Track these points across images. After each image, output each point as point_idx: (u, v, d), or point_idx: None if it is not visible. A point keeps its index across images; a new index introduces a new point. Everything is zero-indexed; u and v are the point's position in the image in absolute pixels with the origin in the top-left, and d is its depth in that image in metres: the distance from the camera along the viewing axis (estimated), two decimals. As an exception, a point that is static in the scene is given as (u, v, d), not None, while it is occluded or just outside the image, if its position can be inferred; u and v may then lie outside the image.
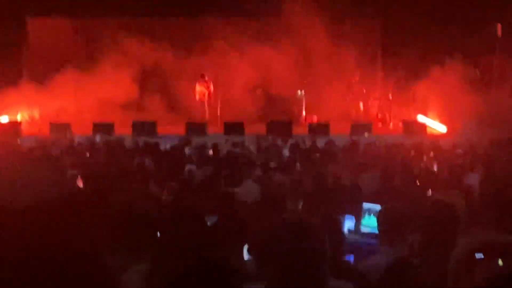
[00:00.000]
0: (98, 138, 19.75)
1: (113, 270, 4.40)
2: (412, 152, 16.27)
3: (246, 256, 5.54)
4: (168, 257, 3.08)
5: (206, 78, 26.09)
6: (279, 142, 18.89)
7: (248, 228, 5.54)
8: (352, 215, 8.28)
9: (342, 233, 5.08)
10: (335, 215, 5.44)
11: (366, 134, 22.94)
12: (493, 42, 24.45)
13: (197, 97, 26.14)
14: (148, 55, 26.73)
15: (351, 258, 6.67)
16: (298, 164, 13.67)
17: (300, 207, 8.50)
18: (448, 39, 24.31)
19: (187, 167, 12.27)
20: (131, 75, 26.52)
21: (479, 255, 2.51)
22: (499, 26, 24.47)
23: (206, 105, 26.08)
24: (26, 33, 28.47)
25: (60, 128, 23.01)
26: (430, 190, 10.07)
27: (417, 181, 10.83)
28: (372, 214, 8.02)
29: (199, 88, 26.11)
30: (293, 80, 26.85)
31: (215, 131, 23.95)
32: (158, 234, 4.82)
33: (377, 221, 5.46)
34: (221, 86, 26.41)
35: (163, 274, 2.73)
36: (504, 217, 6.17)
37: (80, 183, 10.30)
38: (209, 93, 26.12)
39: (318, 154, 15.43)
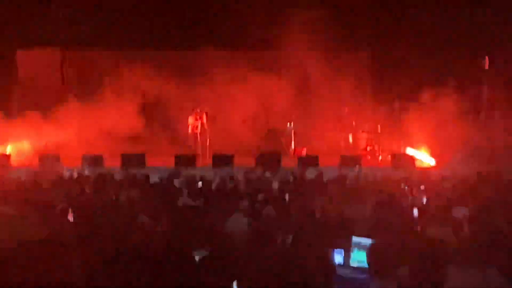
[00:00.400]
0: (87, 170, 19.71)
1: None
2: (403, 185, 16.30)
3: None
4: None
5: (198, 111, 26.03)
6: (267, 174, 18.90)
7: (238, 262, 5.51)
8: (341, 248, 8.25)
9: (332, 266, 5.07)
10: (325, 249, 5.43)
11: (356, 167, 22.97)
12: (481, 74, 24.64)
13: (189, 129, 26.08)
14: (139, 86, 26.71)
15: (341, 293, 6.66)
16: (287, 197, 13.66)
17: (290, 240, 8.47)
18: (437, 72, 24.43)
19: (180, 200, 12.25)
20: (123, 107, 26.45)
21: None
22: (486, 58, 24.69)
23: (198, 138, 26.00)
24: (15, 65, 28.45)
25: (49, 160, 22.92)
26: (419, 224, 10.07)
27: (407, 216, 10.83)
28: (361, 248, 8.00)
29: (191, 120, 26.07)
30: (283, 112, 26.92)
31: (204, 163, 23.95)
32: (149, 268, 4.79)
33: (367, 255, 5.45)
34: (210, 119, 26.39)
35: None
36: (493, 253, 6.18)
37: (70, 217, 10.25)
38: (201, 126, 26.05)
39: (307, 187, 15.43)
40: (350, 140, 27.73)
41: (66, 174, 18.75)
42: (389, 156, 25.41)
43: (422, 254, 4.64)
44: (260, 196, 13.30)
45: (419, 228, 9.61)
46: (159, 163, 23.23)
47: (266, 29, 25.43)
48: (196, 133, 26.01)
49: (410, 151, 26.04)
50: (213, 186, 15.89)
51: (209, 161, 24.18)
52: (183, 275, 4.75)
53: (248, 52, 27.90)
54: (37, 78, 27.71)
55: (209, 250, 6.48)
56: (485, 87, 24.84)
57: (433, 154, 25.08)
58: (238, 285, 5.50)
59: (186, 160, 23.48)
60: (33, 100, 26.53)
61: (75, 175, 18.20)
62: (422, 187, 16.15)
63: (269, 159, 23.20)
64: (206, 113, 26.16)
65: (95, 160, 23.05)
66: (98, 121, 25.62)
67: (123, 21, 26.06)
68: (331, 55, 27.21)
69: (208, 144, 26.18)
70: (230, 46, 27.28)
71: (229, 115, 26.47)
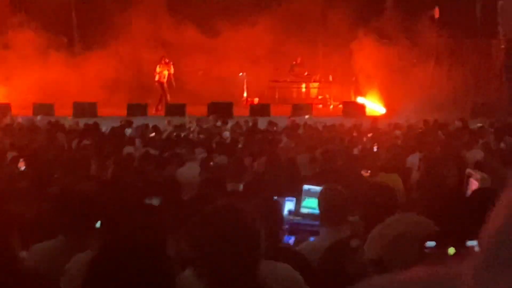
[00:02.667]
0: (39, 118, 19.50)
1: (56, 258, 4.41)
2: (355, 133, 16.47)
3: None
4: (108, 243, 3.08)
5: (167, 60, 25.68)
6: (218, 123, 18.93)
7: (187, 211, 5.54)
8: (293, 196, 8.34)
9: (280, 215, 5.12)
10: (273, 197, 5.49)
11: (306, 116, 23.10)
12: (432, 24, 24.82)
13: (157, 78, 25.73)
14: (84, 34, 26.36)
15: (291, 239, 6.75)
16: (239, 145, 13.72)
17: (240, 188, 8.53)
18: (389, 21, 24.54)
19: (126, 149, 12.20)
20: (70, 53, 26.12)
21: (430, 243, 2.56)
22: (436, 9, 24.87)
23: (166, 86, 25.70)
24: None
25: (0, 109, 22.60)
26: (368, 171, 10.20)
27: (358, 163, 10.96)
28: (312, 196, 8.09)
29: (159, 69, 25.70)
30: (234, 62, 26.84)
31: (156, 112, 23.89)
32: (99, 217, 4.78)
33: (318, 202, 5.53)
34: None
35: (103, 261, 2.74)
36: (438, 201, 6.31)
37: (21, 165, 10.16)
38: (169, 75, 25.70)
39: (260, 135, 15.50)
40: (303, 89, 27.80)
41: (17, 122, 18.55)
42: (340, 104, 25.59)
43: (372, 200, 4.72)
44: (212, 145, 13.35)
45: (368, 175, 9.75)
46: (112, 112, 23.06)
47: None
48: (163, 82, 25.68)
49: (360, 99, 26.24)
50: (165, 135, 15.88)
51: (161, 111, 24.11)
52: (134, 223, 4.77)
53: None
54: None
55: (163, 198, 6.51)
56: (434, 37, 25.03)
57: (383, 103, 25.33)
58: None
59: (138, 109, 23.35)
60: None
61: (26, 123, 18.00)
62: (370, 134, 16.35)
63: (221, 108, 23.18)
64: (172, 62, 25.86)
65: (46, 109, 22.78)
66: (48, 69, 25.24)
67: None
68: (284, 3, 27.13)
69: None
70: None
71: (182, 64, 26.24)
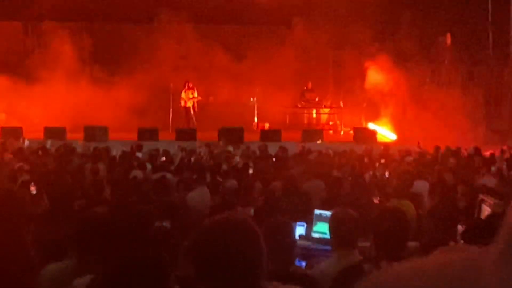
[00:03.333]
0: (49, 143, 19.51)
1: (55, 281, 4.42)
2: (366, 159, 16.44)
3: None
4: (110, 269, 3.06)
5: (191, 85, 25.75)
6: (229, 148, 18.92)
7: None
8: (304, 221, 8.32)
9: (293, 237, 5.09)
10: (285, 220, 5.45)
11: (318, 141, 23.10)
12: (444, 51, 24.86)
13: (182, 103, 25.79)
14: (97, 59, 26.47)
15: (302, 263, 6.72)
16: (250, 170, 13.71)
17: (251, 213, 8.50)
18: (400, 48, 24.56)
19: (134, 172, 12.19)
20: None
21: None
22: (448, 35, 24.92)
23: (192, 112, 25.76)
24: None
25: (11, 132, 22.66)
26: (378, 197, 10.17)
27: (369, 189, 10.93)
28: (324, 221, 8.07)
29: (184, 94, 25.77)
30: (245, 87, 26.92)
31: (167, 137, 23.84)
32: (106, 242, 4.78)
33: (328, 226, 5.50)
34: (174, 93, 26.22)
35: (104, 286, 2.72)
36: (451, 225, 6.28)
37: (33, 189, 10.16)
38: (194, 99, 25.75)
39: (270, 160, 15.49)
40: (314, 115, 27.84)
41: (28, 145, 18.59)
42: (351, 130, 25.58)
43: (383, 224, 4.68)
44: (223, 169, 13.34)
45: (379, 201, 9.71)
46: (122, 136, 23.09)
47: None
48: (189, 107, 25.71)
49: (371, 126, 26.22)
50: (177, 159, 15.88)
51: (171, 135, 24.10)
52: (145, 247, 4.76)
53: (211, 25, 27.81)
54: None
55: (170, 223, 6.49)
56: (446, 63, 25.06)
57: (394, 129, 25.31)
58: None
59: (148, 134, 23.37)
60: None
61: (38, 147, 18.01)
62: (383, 160, 16.32)
63: (232, 133, 23.17)
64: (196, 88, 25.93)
65: (58, 132, 22.83)
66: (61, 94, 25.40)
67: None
68: (294, 29, 27.23)
69: (171, 118, 26.07)
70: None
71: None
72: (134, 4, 26.37)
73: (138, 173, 12.22)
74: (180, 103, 25.92)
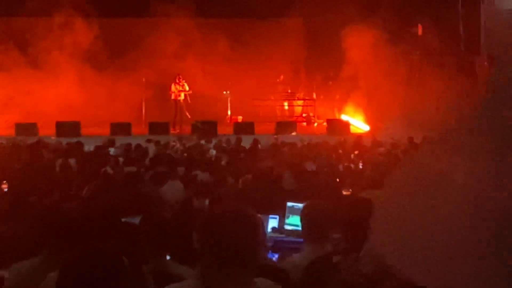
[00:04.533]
0: (19, 139, 19.35)
1: (35, 276, 4.38)
2: (340, 151, 16.47)
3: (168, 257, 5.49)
4: (69, 264, 3.04)
5: (180, 78, 25.54)
6: (202, 142, 18.88)
7: (170, 229, 5.48)
8: (276, 214, 8.30)
9: (264, 230, 5.08)
10: (256, 213, 5.42)
11: (293, 133, 23.14)
12: (415, 42, 24.94)
13: (173, 96, 25.63)
14: (66, 53, 26.23)
15: (275, 256, 6.71)
16: (223, 163, 13.68)
17: (206, 204, 8.51)
18: (373, 39, 24.59)
19: (105, 168, 12.11)
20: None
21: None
22: (419, 26, 25.01)
23: (182, 104, 25.66)
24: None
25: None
26: (349, 188, 10.17)
27: (339, 179, 10.94)
28: (296, 213, 8.06)
29: (175, 88, 25.62)
30: (218, 80, 26.89)
31: (139, 131, 23.76)
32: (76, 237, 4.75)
33: (300, 219, 5.49)
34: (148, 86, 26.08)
35: (64, 281, 2.72)
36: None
37: (4, 187, 10.06)
38: (185, 93, 25.60)
39: (243, 153, 15.46)
40: (286, 107, 27.87)
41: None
42: (324, 122, 25.62)
43: (351, 216, 4.68)
44: (195, 162, 13.29)
45: (352, 192, 9.71)
46: (95, 131, 22.99)
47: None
48: (179, 100, 25.60)
49: (344, 117, 26.29)
50: (150, 153, 15.78)
51: (144, 129, 24.00)
52: (115, 242, 4.72)
53: (183, 19, 27.70)
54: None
55: (141, 217, 6.44)
56: (417, 54, 25.15)
57: (367, 120, 25.40)
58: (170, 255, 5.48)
59: (121, 128, 23.27)
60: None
61: (8, 143, 17.86)
62: (356, 152, 16.36)
63: (206, 126, 23.13)
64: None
65: (29, 128, 22.65)
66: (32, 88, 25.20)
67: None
68: (266, 22, 27.20)
69: (143, 112, 25.94)
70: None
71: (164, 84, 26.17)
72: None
73: (109, 168, 12.16)
74: (170, 96, 25.72)
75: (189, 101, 25.62)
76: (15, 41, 26.32)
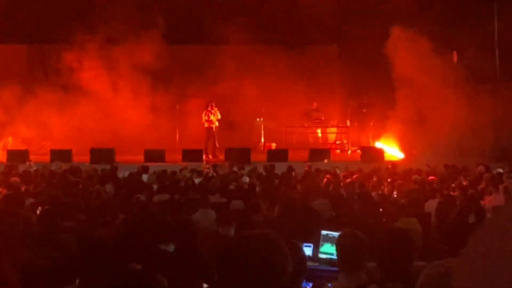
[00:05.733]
0: (54, 165, 19.53)
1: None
2: (375, 178, 16.36)
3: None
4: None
5: (213, 105, 25.52)
6: (235, 169, 18.88)
7: (205, 255, 5.49)
8: (310, 242, 8.25)
9: (303, 257, 5.02)
10: (295, 241, 5.39)
11: (326, 160, 23.06)
12: (450, 69, 24.74)
13: (206, 124, 25.55)
14: (101, 81, 26.42)
15: (309, 285, 6.64)
16: (257, 190, 13.65)
17: (231, 232, 8.50)
18: (406, 66, 24.45)
19: (139, 195, 12.13)
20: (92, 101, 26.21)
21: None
22: (455, 53, 24.86)
23: (215, 132, 25.56)
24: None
25: (18, 155, 22.69)
26: (387, 216, 10.10)
27: (377, 208, 10.86)
28: (330, 241, 8.00)
29: (206, 115, 25.39)
30: (252, 108, 26.96)
31: (173, 158, 23.82)
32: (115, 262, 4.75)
33: (336, 247, 5.43)
34: (179, 114, 26.19)
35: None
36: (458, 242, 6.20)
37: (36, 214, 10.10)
38: (217, 120, 25.56)
39: (277, 180, 15.42)
40: (319, 134, 27.81)
41: (34, 168, 18.57)
42: (358, 149, 25.51)
43: (387, 245, 4.62)
44: (229, 190, 13.28)
45: (386, 221, 9.63)
46: (129, 158, 23.11)
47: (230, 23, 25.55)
48: (212, 128, 25.60)
49: (379, 144, 26.15)
50: (183, 181, 15.81)
51: (177, 156, 24.02)
52: (150, 269, 4.70)
53: (211, 47, 27.89)
54: (4, 72, 27.19)
55: (176, 245, 6.43)
56: (452, 81, 24.93)
57: (402, 148, 25.22)
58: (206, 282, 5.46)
59: (155, 155, 23.36)
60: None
61: (43, 169, 18.01)
62: (390, 180, 16.24)
63: (239, 154, 23.15)
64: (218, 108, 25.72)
65: (64, 155, 22.83)
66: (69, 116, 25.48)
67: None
68: (300, 49, 27.24)
69: (177, 140, 26.03)
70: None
71: (196, 111, 26.21)
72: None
73: (143, 195, 12.18)
74: (203, 124, 25.56)
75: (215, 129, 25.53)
76: (53, 68, 26.75)
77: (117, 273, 3.03)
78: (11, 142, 25.77)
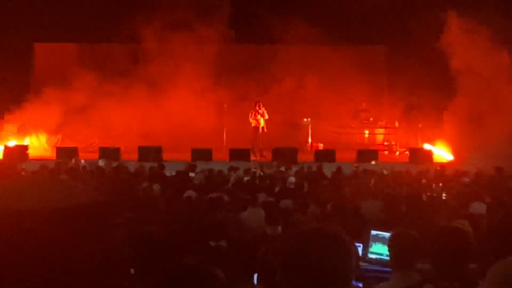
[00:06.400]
0: (101, 162, 19.73)
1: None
2: (424, 180, 16.22)
3: (255, 282, 5.48)
4: (173, 280, 3.02)
5: (261, 105, 25.55)
6: (282, 168, 18.86)
7: (256, 253, 5.48)
8: (359, 242, 8.20)
9: (356, 253, 4.98)
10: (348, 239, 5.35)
11: (373, 162, 22.92)
12: (501, 69, 24.25)
13: (253, 123, 25.45)
14: (151, 79, 26.61)
15: (359, 285, 6.60)
16: (305, 190, 13.61)
17: (279, 231, 8.49)
18: (462, 61, 24.08)
19: (187, 192, 12.20)
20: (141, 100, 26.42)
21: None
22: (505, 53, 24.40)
23: (260, 132, 25.51)
24: (34, 58, 28.56)
25: (67, 152, 22.97)
26: (436, 218, 9.98)
27: (427, 209, 10.74)
28: (380, 241, 7.95)
29: (254, 115, 25.36)
30: (300, 107, 26.94)
31: (220, 157, 23.87)
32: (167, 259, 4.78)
33: (388, 247, 5.40)
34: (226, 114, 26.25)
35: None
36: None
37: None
38: (265, 120, 25.59)
39: (326, 181, 15.37)
40: (366, 135, 27.66)
41: (82, 165, 18.76)
42: (407, 151, 25.32)
43: (444, 244, 4.57)
44: (277, 189, 13.26)
45: (438, 222, 9.51)
46: (176, 157, 23.21)
47: (279, 22, 25.52)
48: (258, 127, 25.54)
49: (427, 146, 25.91)
50: (231, 179, 15.84)
51: (225, 156, 24.06)
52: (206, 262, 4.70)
53: (264, 46, 27.89)
54: (54, 70, 27.52)
55: (226, 242, 6.45)
56: (502, 82, 24.41)
57: (451, 150, 24.95)
58: (258, 278, 5.46)
59: (202, 154, 23.45)
60: (50, 92, 26.18)
61: (91, 167, 18.18)
62: (439, 182, 16.08)
63: (286, 153, 23.13)
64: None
65: (112, 153, 23.06)
66: (117, 114, 25.75)
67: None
68: (348, 49, 27.10)
69: (224, 139, 26.10)
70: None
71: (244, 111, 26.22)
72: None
73: (191, 193, 12.23)
74: (250, 122, 25.57)
75: (265, 130, 25.47)
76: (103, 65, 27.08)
77: (173, 267, 3.02)
78: (60, 139, 26.13)
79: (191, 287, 2.57)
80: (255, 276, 5.48)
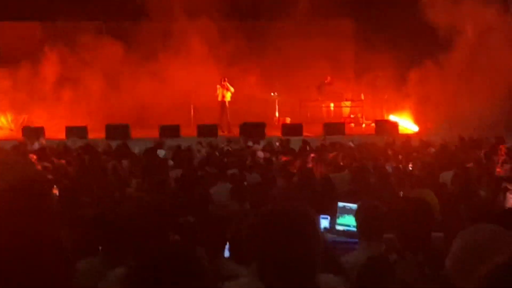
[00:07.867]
0: (69, 142, 19.60)
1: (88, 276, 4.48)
2: (390, 151, 16.37)
3: (227, 254, 5.57)
4: (143, 259, 3.08)
5: (226, 79, 25.59)
6: (250, 143, 18.92)
7: (227, 227, 5.56)
8: (327, 214, 8.30)
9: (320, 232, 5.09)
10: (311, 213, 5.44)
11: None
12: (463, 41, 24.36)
13: (220, 98, 25.57)
14: (117, 57, 26.45)
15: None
16: (272, 165, 13.69)
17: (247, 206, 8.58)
18: (421, 39, 24.27)
19: (172, 172, 12.21)
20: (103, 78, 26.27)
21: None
22: None
23: (227, 106, 25.65)
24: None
25: (33, 132, 22.75)
26: (402, 189, 10.12)
27: (391, 180, 10.86)
28: (347, 213, 8.06)
29: (221, 90, 25.56)
30: (266, 82, 26.95)
31: (188, 133, 23.86)
32: (133, 237, 4.83)
33: (355, 218, 5.50)
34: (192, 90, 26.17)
35: (139, 277, 2.72)
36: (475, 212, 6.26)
37: (55, 191, 10.16)
38: (231, 93, 25.62)
39: (292, 155, 15.45)
40: (332, 108, 27.77)
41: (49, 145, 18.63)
42: (373, 123, 25.50)
43: (408, 215, 4.67)
44: (247, 164, 13.32)
45: (402, 193, 9.65)
46: (144, 134, 23.14)
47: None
48: (225, 102, 25.67)
49: (393, 118, 26.13)
50: (198, 155, 15.87)
51: (192, 132, 24.07)
52: (173, 240, 4.78)
53: (231, 21, 27.79)
54: (16, 50, 27.15)
55: (194, 218, 6.50)
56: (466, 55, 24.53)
57: (416, 121, 25.18)
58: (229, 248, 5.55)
59: (170, 131, 23.41)
60: (12, 72, 25.85)
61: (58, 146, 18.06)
62: (405, 152, 16.24)
63: (253, 128, 23.18)
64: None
65: (79, 131, 22.93)
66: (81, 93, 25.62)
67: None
68: (314, 22, 27.13)
69: (192, 115, 26.10)
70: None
71: (209, 87, 26.17)
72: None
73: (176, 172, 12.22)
74: (216, 97, 25.60)
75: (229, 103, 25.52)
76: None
77: (155, 246, 3.08)
78: (26, 119, 25.88)
79: (175, 266, 2.63)
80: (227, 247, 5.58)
